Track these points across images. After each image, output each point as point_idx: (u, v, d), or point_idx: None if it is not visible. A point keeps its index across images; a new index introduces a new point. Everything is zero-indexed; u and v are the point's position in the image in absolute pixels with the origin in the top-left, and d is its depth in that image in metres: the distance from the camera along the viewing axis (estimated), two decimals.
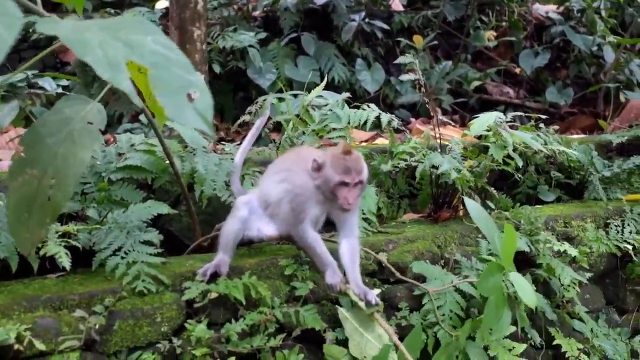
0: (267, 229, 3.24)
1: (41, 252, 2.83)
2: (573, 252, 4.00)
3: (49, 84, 6.19)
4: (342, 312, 3.16)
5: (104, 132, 3.77)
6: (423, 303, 3.46)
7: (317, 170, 3.03)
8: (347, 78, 8.24)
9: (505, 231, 3.05)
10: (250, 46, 7.90)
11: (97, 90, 7.19)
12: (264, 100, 4.29)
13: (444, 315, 3.42)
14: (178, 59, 1.84)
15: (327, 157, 3.04)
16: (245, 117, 4.26)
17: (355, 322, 3.14)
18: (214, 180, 3.67)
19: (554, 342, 3.95)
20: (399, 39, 8.54)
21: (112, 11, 8.26)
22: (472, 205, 3.16)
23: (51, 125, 2.42)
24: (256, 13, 9.39)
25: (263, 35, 8.29)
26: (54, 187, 2.30)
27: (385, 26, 8.62)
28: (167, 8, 8.13)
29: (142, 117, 6.49)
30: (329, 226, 3.40)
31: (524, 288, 3.08)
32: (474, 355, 3.36)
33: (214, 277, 3.03)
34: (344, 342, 3.14)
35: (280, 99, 4.44)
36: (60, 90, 6.15)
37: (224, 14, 9.09)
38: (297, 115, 4.30)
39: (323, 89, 4.52)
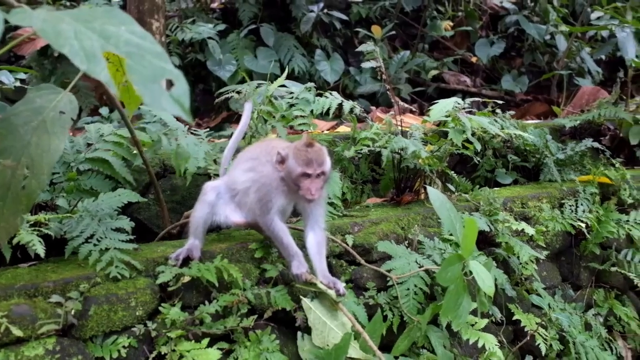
0: (234, 215, 3.31)
1: (14, 241, 2.86)
2: (530, 231, 4.16)
3: (6, 77, 6.11)
4: (306, 303, 3.22)
5: None
6: (389, 283, 3.58)
7: (280, 162, 3.12)
8: (306, 69, 8.33)
9: (466, 224, 3.14)
10: (210, 38, 7.93)
11: (55, 84, 7.13)
12: (228, 99, 4.37)
13: (408, 289, 3.53)
14: (152, 48, 1.89)
15: (290, 149, 3.12)
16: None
17: (319, 312, 3.20)
18: (196, 157, 3.72)
19: (514, 318, 4.11)
20: (357, 29, 8.66)
21: (68, 3, 8.17)
22: (435, 194, 3.23)
23: (23, 115, 2.43)
24: (214, 5, 9.41)
25: (222, 27, 8.32)
26: (28, 176, 2.33)
27: (344, 17, 8.72)
28: (124, 0, 8.09)
29: (102, 111, 6.50)
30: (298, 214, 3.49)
31: (482, 276, 3.19)
32: (435, 338, 3.51)
33: (186, 261, 3.10)
34: None
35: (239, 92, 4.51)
36: (18, 84, 6.08)
37: (182, 5, 9.11)
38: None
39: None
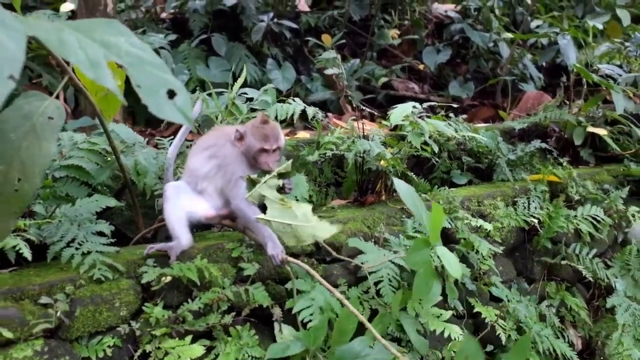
0: (204, 210, 3.44)
1: None
2: (488, 226, 4.38)
3: None
4: (263, 217, 3.23)
5: None
6: (359, 276, 3.74)
7: (239, 139, 3.38)
8: (258, 77, 8.42)
9: (432, 209, 3.27)
10: (161, 48, 7.95)
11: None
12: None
13: (382, 277, 3.69)
14: (152, 60, 2.00)
15: (247, 127, 3.39)
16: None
17: (280, 219, 3.21)
18: (154, 171, 3.81)
19: (474, 310, 4.30)
20: (307, 38, 8.81)
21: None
22: (401, 184, 3.36)
23: (12, 120, 2.49)
24: (164, 15, 9.41)
25: (173, 37, 8.35)
26: (21, 180, 2.39)
27: (294, 26, 8.86)
28: (73, 11, 8.04)
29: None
30: None
31: (449, 261, 3.31)
32: (407, 324, 3.65)
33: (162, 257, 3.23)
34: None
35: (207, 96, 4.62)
36: None
37: (132, 16, 9.08)
38: (226, 108, 4.50)
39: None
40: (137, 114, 7.85)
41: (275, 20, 8.78)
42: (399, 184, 3.37)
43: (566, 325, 5.02)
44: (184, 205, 3.36)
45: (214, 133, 3.63)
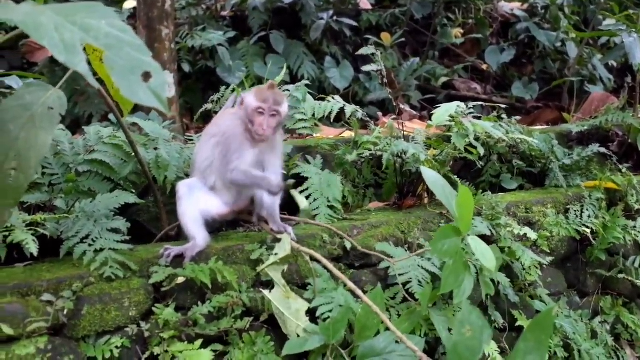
0: (215, 206, 3.36)
1: (8, 240, 2.87)
2: (533, 235, 4.12)
3: (15, 82, 6.15)
4: (266, 295, 3.19)
5: (73, 133, 3.84)
6: (388, 283, 3.57)
7: (241, 103, 3.29)
8: (316, 76, 8.31)
9: (459, 192, 2.93)
10: (220, 45, 7.94)
11: (66, 92, 7.18)
12: (226, 89, 4.39)
13: (411, 279, 3.51)
14: (132, 41, 1.90)
15: (252, 90, 3.32)
16: (208, 106, 4.34)
17: (277, 302, 3.17)
18: (176, 165, 3.73)
19: (517, 324, 4.06)
20: (367, 36, 8.64)
21: None
22: (429, 173, 3.12)
23: (12, 110, 2.44)
24: (225, 12, 9.43)
25: (232, 34, 8.34)
26: (16, 171, 2.33)
27: (354, 23, 8.71)
28: (135, 8, 8.13)
29: (111, 117, 6.54)
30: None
31: (483, 251, 3.03)
32: (438, 322, 3.38)
33: (180, 260, 3.11)
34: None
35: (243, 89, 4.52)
36: None
37: (192, 13, 9.13)
38: None
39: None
40: (194, 109, 7.88)
41: (335, 18, 8.65)
42: (426, 172, 3.10)
43: (622, 344, 4.69)
44: (197, 203, 3.26)
45: (217, 119, 3.57)
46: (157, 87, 1.80)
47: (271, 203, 3.41)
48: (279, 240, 3.32)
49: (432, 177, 3.07)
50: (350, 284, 3.19)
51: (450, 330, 3.38)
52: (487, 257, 3.01)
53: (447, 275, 3.00)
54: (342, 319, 3.03)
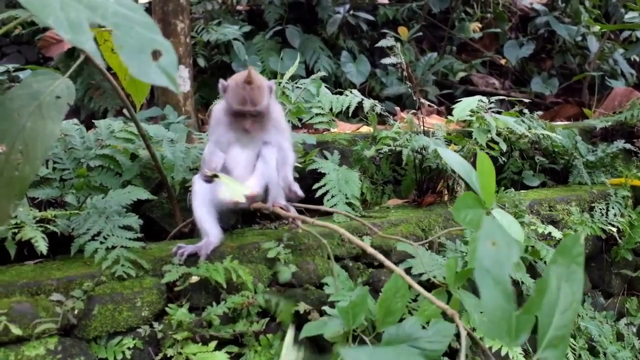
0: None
1: (17, 237, 2.78)
2: (558, 234, 3.98)
3: None
4: None
5: (88, 128, 3.76)
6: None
7: (224, 91, 3.13)
8: (332, 70, 8.21)
9: (478, 160, 2.70)
10: (235, 39, 7.85)
11: (81, 86, 7.14)
12: None
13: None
14: (141, 19, 1.81)
15: (231, 82, 3.11)
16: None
17: None
18: (182, 165, 3.64)
19: None
20: (384, 31, 8.50)
21: None
22: (446, 152, 2.96)
23: (19, 99, 2.36)
24: (240, 7, 9.34)
25: (248, 28, 8.24)
26: (22, 161, 2.25)
27: (371, 18, 8.59)
28: (149, 2, 8.06)
29: (125, 111, 6.47)
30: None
31: (510, 223, 2.80)
32: (468, 303, 3.10)
33: (194, 259, 3.00)
34: None
35: None
36: None
37: (207, 7, 9.04)
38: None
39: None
40: (209, 105, 7.78)
41: (352, 12, 8.53)
42: (444, 152, 2.94)
43: None
44: (212, 196, 3.14)
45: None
46: (167, 65, 1.71)
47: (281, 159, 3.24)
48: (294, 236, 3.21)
49: (450, 156, 2.87)
50: (371, 250, 2.99)
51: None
52: (514, 228, 2.81)
53: (474, 248, 2.74)
54: (361, 302, 2.83)
